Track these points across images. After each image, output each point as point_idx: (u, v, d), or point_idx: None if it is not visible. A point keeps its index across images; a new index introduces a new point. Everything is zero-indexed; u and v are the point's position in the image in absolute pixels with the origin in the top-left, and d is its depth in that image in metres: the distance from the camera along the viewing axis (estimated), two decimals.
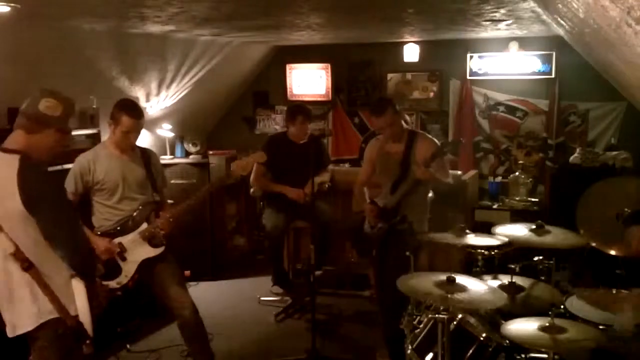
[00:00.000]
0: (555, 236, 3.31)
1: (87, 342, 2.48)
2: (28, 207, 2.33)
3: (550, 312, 2.57)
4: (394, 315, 3.42)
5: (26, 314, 2.44)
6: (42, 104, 2.44)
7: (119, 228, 3.56)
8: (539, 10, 3.90)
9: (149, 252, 3.57)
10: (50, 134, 2.47)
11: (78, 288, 2.49)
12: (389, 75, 6.71)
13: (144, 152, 3.74)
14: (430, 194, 4.28)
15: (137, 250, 3.55)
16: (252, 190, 5.21)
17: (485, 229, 3.71)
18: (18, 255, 2.38)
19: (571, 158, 5.65)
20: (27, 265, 2.39)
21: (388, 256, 3.97)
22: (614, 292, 3.07)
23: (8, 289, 2.45)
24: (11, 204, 2.33)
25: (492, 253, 3.42)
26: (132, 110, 3.51)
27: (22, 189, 2.32)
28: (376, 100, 4.71)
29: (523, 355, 2.72)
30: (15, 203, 2.32)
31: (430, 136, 4.25)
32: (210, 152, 6.02)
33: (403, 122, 4.19)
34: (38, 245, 2.41)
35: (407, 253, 3.30)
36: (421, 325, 3.09)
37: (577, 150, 5.67)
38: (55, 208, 2.42)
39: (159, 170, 3.81)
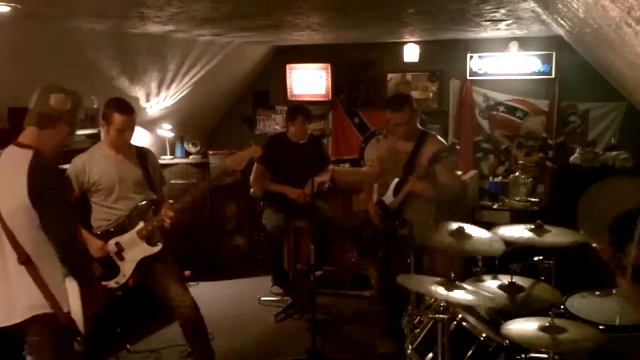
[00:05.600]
0: (555, 236, 3.30)
1: (78, 339, 2.52)
2: (32, 198, 2.38)
3: (550, 312, 2.56)
4: (399, 314, 3.40)
5: (17, 305, 2.47)
6: (52, 99, 2.50)
7: (116, 228, 3.56)
8: (539, 10, 3.89)
9: (147, 250, 3.57)
10: (61, 128, 2.55)
11: (72, 287, 2.52)
12: (389, 75, 6.70)
13: (140, 150, 3.73)
14: None
15: (135, 249, 3.55)
16: (252, 190, 5.21)
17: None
18: (17, 249, 2.42)
19: (571, 158, 5.65)
20: (25, 260, 2.43)
21: (392, 260, 3.94)
22: (614, 292, 3.06)
23: (3, 281, 2.48)
24: (17, 197, 2.38)
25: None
26: (122, 107, 3.51)
27: (30, 181, 2.38)
28: (394, 96, 4.69)
29: (523, 356, 2.72)
30: (21, 195, 2.37)
31: (440, 139, 4.14)
32: (210, 152, 6.01)
33: (418, 123, 4.13)
34: (38, 241, 2.45)
35: (409, 260, 3.26)
36: (421, 325, 3.09)
37: (577, 150, 5.66)
38: (58, 204, 2.47)
39: (156, 169, 3.79)
